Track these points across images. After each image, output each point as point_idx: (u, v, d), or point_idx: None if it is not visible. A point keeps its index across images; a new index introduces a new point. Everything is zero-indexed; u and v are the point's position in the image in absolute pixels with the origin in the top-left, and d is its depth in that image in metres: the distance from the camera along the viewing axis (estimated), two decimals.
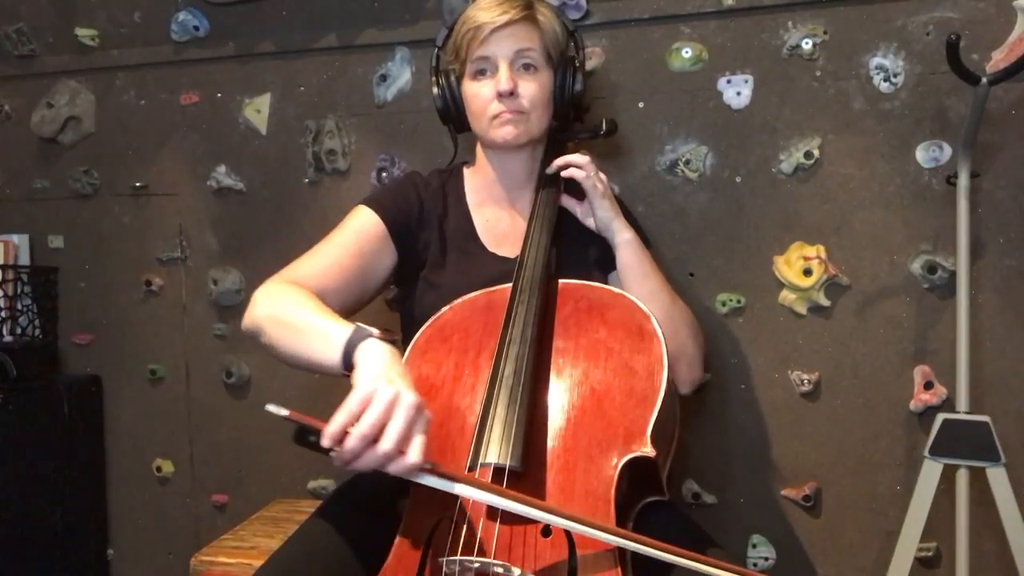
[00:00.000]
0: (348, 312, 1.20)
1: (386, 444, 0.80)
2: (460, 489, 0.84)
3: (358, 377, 0.87)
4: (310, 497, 1.81)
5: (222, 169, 1.84)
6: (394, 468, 0.82)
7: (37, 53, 1.95)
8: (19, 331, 1.90)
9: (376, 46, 1.73)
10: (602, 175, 1.22)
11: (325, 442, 0.80)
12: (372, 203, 1.26)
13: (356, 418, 0.81)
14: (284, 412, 0.79)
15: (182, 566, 1.68)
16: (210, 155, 1.85)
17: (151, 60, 1.87)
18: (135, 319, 1.93)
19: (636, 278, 1.18)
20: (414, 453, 0.82)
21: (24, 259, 1.95)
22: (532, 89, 1.21)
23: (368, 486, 1.13)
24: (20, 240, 1.94)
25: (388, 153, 1.74)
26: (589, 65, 1.61)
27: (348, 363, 0.92)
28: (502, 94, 1.19)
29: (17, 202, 1.99)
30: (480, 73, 1.22)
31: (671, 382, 0.99)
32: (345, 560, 1.01)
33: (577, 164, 1.21)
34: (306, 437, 0.82)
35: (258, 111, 1.82)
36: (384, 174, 1.74)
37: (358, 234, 1.22)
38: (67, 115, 1.93)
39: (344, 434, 0.81)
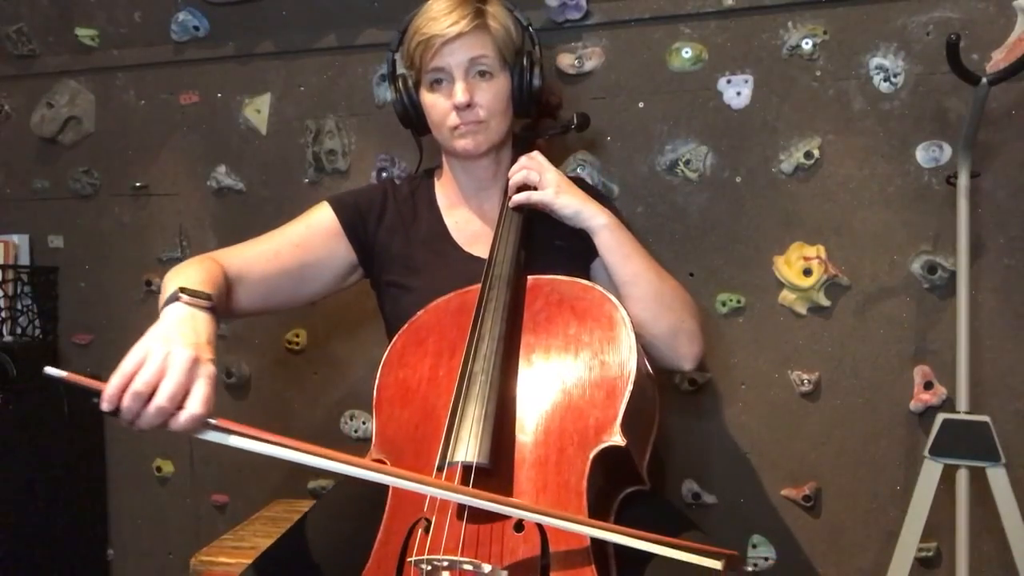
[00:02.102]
0: (286, 301, 1.25)
1: (159, 399, 0.82)
2: (260, 446, 0.84)
3: (140, 339, 0.88)
4: (310, 497, 1.81)
5: (222, 169, 1.84)
6: (177, 424, 0.82)
7: (37, 53, 1.95)
8: (19, 331, 1.90)
9: (376, 46, 1.73)
10: (549, 174, 1.19)
11: (104, 405, 0.82)
12: (333, 200, 1.29)
13: (131, 379, 0.83)
14: (63, 374, 0.82)
15: (182, 566, 1.68)
16: (210, 155, 1.85)
17: (151, 60, 1.87)
18: (135, 319, 1.93)
19: (618, 260, 1.17)
20: (194, 403, 0.82)
21: (24, 259, 1.95)
22: (488, 96, 1.20)
23: (356, 490, 1.13)
24: (20, 240, 1.94)
25: (388, 153, 1.74)
26: (589, 65, 1.61)
27: None
28: (459, 107, 1.19)
29: (17, 202, 1.99)
30: (436, 83, 1.22)
31: (642, 371, 0.99)
32: (332, 562, 1.01)
33: (519, 185, 1.20)
34: (89, 400, 0.84)
35: (258, 111, 1.82)
36: (384, 174, 1.74)
37: (308, 227, 1.26)
38: (67, 115, 1.93)
39: (122, 396, 0.82)
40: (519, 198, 1.19)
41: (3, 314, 1.87)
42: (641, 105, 1.61)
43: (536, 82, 1.26)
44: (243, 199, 1.84)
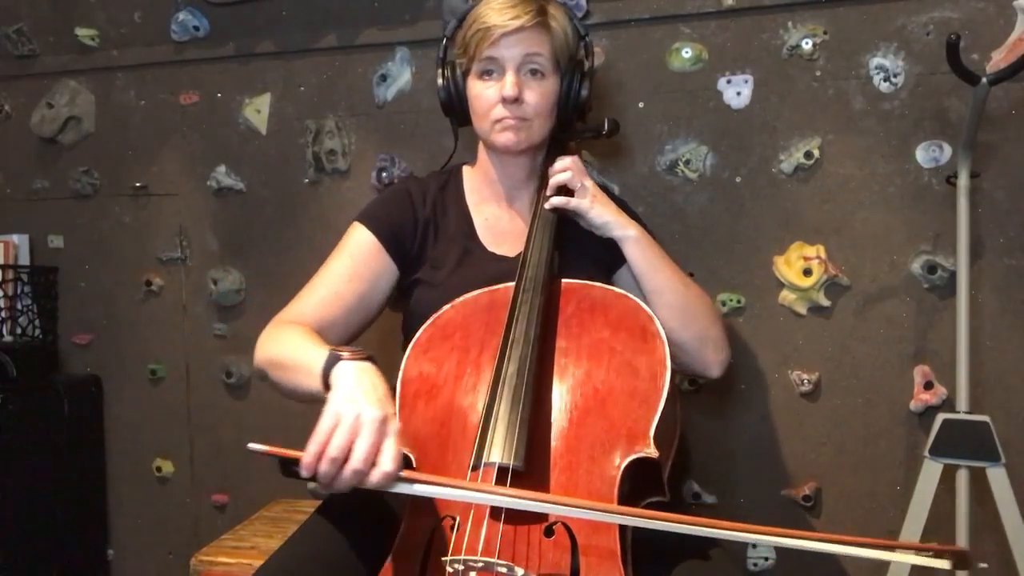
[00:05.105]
0: (358, 331, 1.25)
1: (354, 462, 0.84)
2: (448, 492, 0.86)
3: (327, 403, 0.90)
4: (310, 497, 1.81)
5: (222, 169, 1.84)
6: (372, 482, 0.85)
7: (37, 53, 1.95)
8: (19, 331, 1.90)
9: (376, 46, 1.73)
10: (587, 181, 1.21)
11: (304, 472, 0.85)
12: (366, 219, 1.27)
13: (326, 445, 0.85)
14: (263, 448, 0.85)
15: (182, 566, 1.68)
16: (210, 155, 1.86)
17: (151, 60, 1.87)
18: (135, 319, 1.93)
19: (646, 271, 1.18)
20: (385, 461, 0.84)
21: (24, 259, 1.95)
22: (537, 96, 1.20)
23: (364, 490, 1.13)
24: (20, 240, 1.95)
25: (388, 153, 1.74)
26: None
27: (329, 389, 0.95)
28: (506, 99, 1.19)
29: (17, 202, 1.99)
30: (487, 73, 1.22)
31: (673, 383, 0.99)
32: (345, 560, 1.01)
33: (561, 184, 1.20)
34: (290, 468, 0.86)
35: (258, 111, 1.82)
36: (384, 174, 1.74)
37: (354, 257, 1.24)
38: (67, 115, 1.93)
39: (319, 462, 0.85)
40: (557, 201, 1.19)
41: (3, 314, 1.87)
42: (641, 105, 1.61)
43: (584, 93, 1.26)
44: (243, 199, 1.84)
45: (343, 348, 0.98)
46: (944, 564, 0.75)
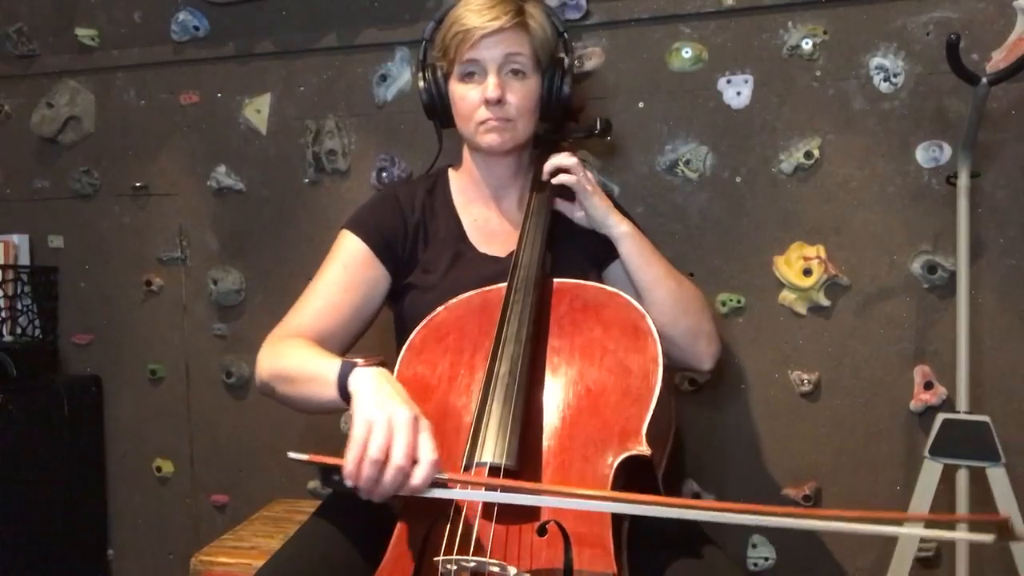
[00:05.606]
0: (354, 340, 1.25)
1: (395, 460, 0.84)
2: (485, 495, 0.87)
3: (354, 410, 0.90)
4: (310, 497, 1.81)
5: (222, 169, 1.85)
6: (413, 483, 0.85)
7: (37, 53, 1.95)
8: (19, 331, 1.90)
9: (376, 46, 1.73)
10: (589, 174, 1.22)
11: (347, 481, 0.86)
12: (356, 228, 1.25)
13: (364, 450, 0.85)
14: (304, 457, 0.85)
15: (182, 566, 1.68)
16: (210, 155, 1.86)
17: (151, 60, 1.87)
18: (135, 319, 1.93)
19: (639, 267, 1.19)
20: (425, 453, 0.85)
21: (24, 259, 1.95)
22: (519, 96, 1.20)
23: None
24: (20, 240, 1.95)
25: (388, 153, 1.74)
26: (589, 65, 1.61)
27: (346, 397, 0.96)
28: (489, 101, 1.19)
29: (17, 202, 1.99)
30: (468, 76, 1.21)
31: (667, 381, 0.99)
32: (343, 561, 1.02)
33: (565, 168, 1.20)
34: (330, 478, 0.87)
35: (258, 111, 1.82)
36: (384, 174, 1.74)
37: (347, 267, 1.23)
38: (67, 115, 1.93)
39: (360, 468, 0.85)
40: (566, 179, 1.19)
41: (3, 314, 1.87)
42: (641, 105, 1.61)
43: (566, 90, 1.26)
44: (243, 199, 1.85)
45: (356, 356, 0.99)
46: (987, 538, 0.71)
